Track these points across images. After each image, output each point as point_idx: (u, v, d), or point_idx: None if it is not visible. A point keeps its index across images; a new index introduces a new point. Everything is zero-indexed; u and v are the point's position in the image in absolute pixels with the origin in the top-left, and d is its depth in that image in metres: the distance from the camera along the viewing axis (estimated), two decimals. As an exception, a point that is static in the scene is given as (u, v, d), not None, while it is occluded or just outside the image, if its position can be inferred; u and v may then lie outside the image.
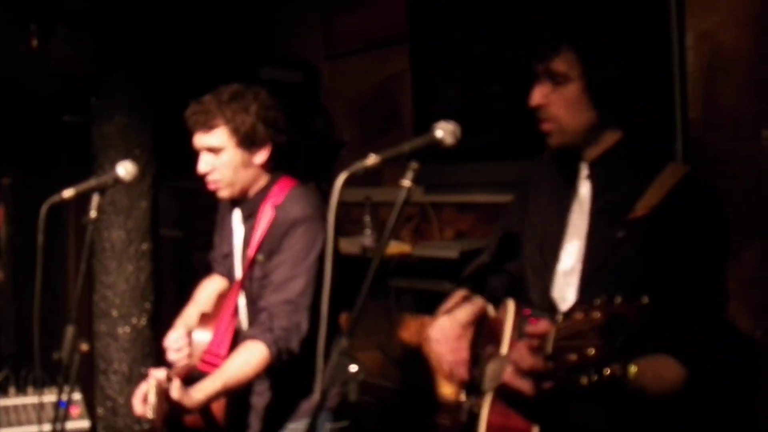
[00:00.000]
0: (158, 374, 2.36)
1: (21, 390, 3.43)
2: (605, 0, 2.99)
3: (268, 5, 4.96)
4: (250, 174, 2.74)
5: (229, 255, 2.90)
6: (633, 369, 1.52)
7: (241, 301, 2.83)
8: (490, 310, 2.26)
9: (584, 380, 1.53)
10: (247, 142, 2.68)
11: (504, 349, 1.99)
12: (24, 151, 4.47)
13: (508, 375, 1.81)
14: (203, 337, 2.77)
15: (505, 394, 1.92)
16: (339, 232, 2.85)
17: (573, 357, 1.54)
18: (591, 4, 3.07)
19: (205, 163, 2.71)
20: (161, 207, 4.11)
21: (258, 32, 4.91)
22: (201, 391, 2.47)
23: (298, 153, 4.63)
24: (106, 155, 3.78)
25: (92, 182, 2.58)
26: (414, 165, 1.87)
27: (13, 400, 3.37)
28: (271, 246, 2.70)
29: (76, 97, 4.16)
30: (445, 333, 2.21)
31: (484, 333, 2.24)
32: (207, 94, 2.70)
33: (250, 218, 2.79)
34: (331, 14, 4.71)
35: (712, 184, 1.98)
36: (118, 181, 2.61)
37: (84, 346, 2.48)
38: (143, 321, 3.80)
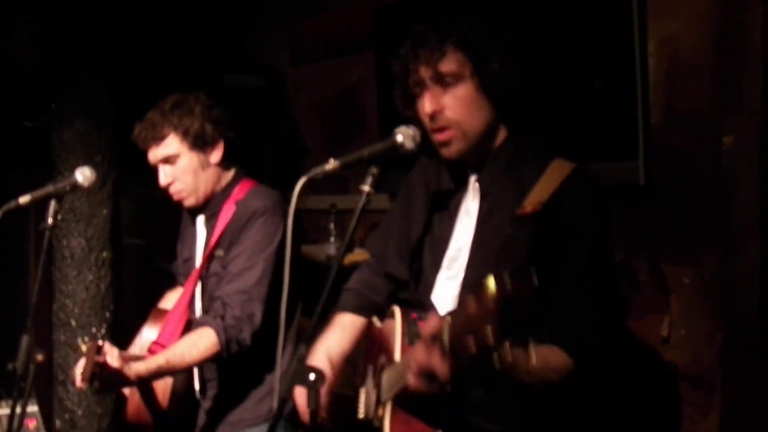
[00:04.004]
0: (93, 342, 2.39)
1: (-24, 402, 3.36)
2: (571, 12, 3.03)
3: (233, 11, 4.92)
4: (210, 175, 2.76)
5: (189, 259, 2.89)
6: (533, 344, 1.46)
7: (198, 296, 2.81)
8: (376, 321, 2.24)
9: (497, 364, 1.44)
10: (200, 143, 2.71)
11: (397, 355, 1.94)
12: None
13: (411, 380, 1.68)
14: (152, 334, 2.73)
15: (404, 402, 1.87)
16: (304, 239, 2.86)
17: (472, 346, 1.45)
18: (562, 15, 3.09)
19: (164, 175, 2.73)
20: (125, 215, 4.06)
21: (222, 38, 4.88)
22: (143, 364, 2.48)
23: (263, 159, 4.60)
24: (65, 161, 3.72)
25: (49, 188, 2.55)
26: (374, 170, 1.86)
27: (-32, 413, 3.30)
28: (230, 239, 2.70)
29: (35, 102, 4.10)
30: None
31: (372, 346, 2.22)
32: (149, 112, 2.73)
33: (212, 218, 2.79)
34: (296, 20, 4.69)
35: (597, 177, 1.97)
36: (76, 187, 2.59)
37: (40, 356, 2.44)
38: (103, 330, 3.74)
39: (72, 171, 2.63)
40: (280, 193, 2.80)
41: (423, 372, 1.63)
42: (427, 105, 1.94)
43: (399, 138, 1.90)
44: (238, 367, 2.69)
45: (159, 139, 2.69)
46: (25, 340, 2.46)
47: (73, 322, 3.71)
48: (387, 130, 1.99)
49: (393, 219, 2.31)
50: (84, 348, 2.37)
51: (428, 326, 1.62)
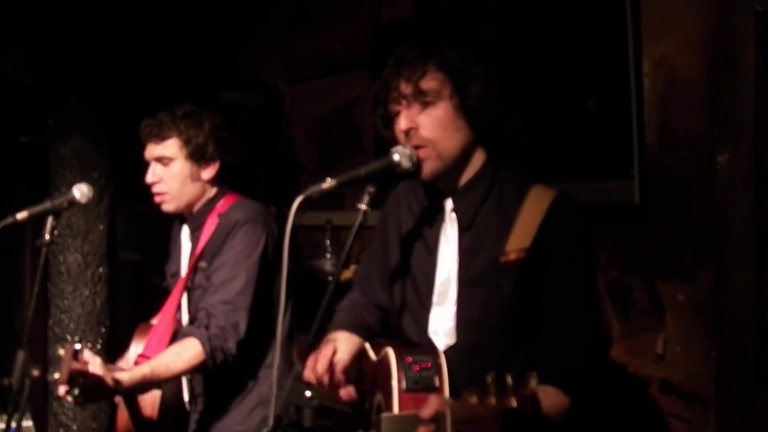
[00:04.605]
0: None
1: (-29, 417, 3.35)
2: (566, 32, 3.05)
3: (229, 28, 4.95)
4: (196, 188, 2.78)
5: (176, 273, 2.89)
6: (548, 390, 1.49)
7: (184, 308, 2.81)
8: (369, 350, 2.22)
9: None
10: (197, 155, 2.74)
11: (395, 404, 1.92)
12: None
13: None
14: (139, 348, 2.73)
15: None
16: (298, 255, 2.88)
17: None
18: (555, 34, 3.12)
19: (153, 174, 2.76)
20: (120, 231, 4.06)
21: (219, 56, 4.89)
22: (127, 373, 2.45)
23: (259, 176, 4.61)
24: (62, 177, 3.73)
25: (46, 204, 2.55)
26: (370, 189, 1.87)
27: (-38, 429, 3.28)
28: (213, 251, 2.71)
29: (32, 119, 4.11)
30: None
31: (366, 377, 2.19)
32: (160, 112, 2.77)
33: (196, 231, 2.81)
34: (292, 38, 4.71)
35: (577, 206, 1.98)
36: (73, 203, 2.59)
37: (35, 372, 2.43)
38: (99, 346, 3.73)
39: (69, 187, 2.63)
40: (263, 205, 2.82)
41: None
42: (402, 122, 1.96)
43: (396, 157, 1.92)
44: (225, 380, 2.70)
45: (161, 138, 2.74)
46: (20, 355, 2.45)
47: (69, 338, 3.70)
48: (382, 148, 2.00)
49: (374, 253, 2.31)
50: (62, 352, 2.32)
51: (428, 409, 1.64)
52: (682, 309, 2.76)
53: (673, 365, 2.78)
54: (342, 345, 2.17)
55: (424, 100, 1.94)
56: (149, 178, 2.76)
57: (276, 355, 1.85)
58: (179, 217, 2.90)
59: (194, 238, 2.82)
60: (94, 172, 3.73)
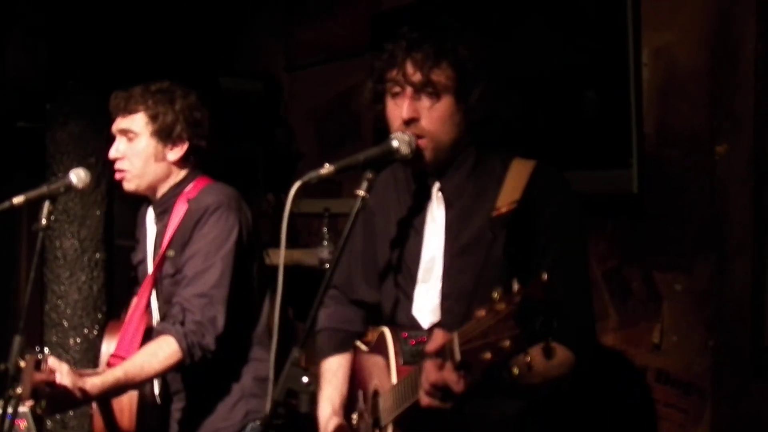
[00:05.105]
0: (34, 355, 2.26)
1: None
2: (566, 21, 3.04)
3: (228, 15, 4.93)
4: (160, 169, 2.67)
5: (143, 261, 2.78)
6: (554, 345, 1.47)
7: (154, 301, 2.69)
8: (361, 346, 2.22)
9: (515, 371, 1.44)
10: (164, 134, 2.63)
11: (393, 378, 1.91)
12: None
13: (424, 399, 1.66)
14: (111, 347, 2.62)
15: (406, 423, 1.86)
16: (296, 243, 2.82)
17: (487, 355, 1.43)
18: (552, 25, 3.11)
19: (116, 149, 2.65)
20: (119, 216, 4.05)
21: (218, 42, 4.87)
22: (98, 379, 2.35)
23: (258, 163, 4.60)
24: (60, 162, 3.72)
25: (43, 189, 2.52)
26: (369, 175, 1.87)
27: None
28: (183, 239, 2.59)
29: (30, 104, 4.09)
30: None
31: (359, 371, 2.19)
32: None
33: (163, 215, 2.69)
34: (291, 25, 4.69)
35: (558, 170, 2.01)
36: (70, 188, 2.56)
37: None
38: (95, 332, 3.73)
39: (66, 172, 2.60)
40: (235, 189, 2.70)
41: (436, 388, 1.62)
42: (405, 110, 1.95)
43: (395, 143, 1.91)
44: (205, 376, 2.59)
45: (128, 111, 2.64)
46: (16, 340, 2.44)
47: (65, 323, 3.70)
48: (381, 135, 2.00)
49: (355, 246, 2.25)
50: (23, 364, 2.22)
51: (434, 343, 1.63)
52: (679, 299, 2.76)
53: (669, 355, 2.79)
54: (335, 383, 2.21)
55: (430, 91, 1.93)
56: (112, 153, 2.66)
57: (273, 345, 1.82)
58: (145, 200, 2.78)
59: (161, 223, 2.69)
60: (91, 157, 3.72)
